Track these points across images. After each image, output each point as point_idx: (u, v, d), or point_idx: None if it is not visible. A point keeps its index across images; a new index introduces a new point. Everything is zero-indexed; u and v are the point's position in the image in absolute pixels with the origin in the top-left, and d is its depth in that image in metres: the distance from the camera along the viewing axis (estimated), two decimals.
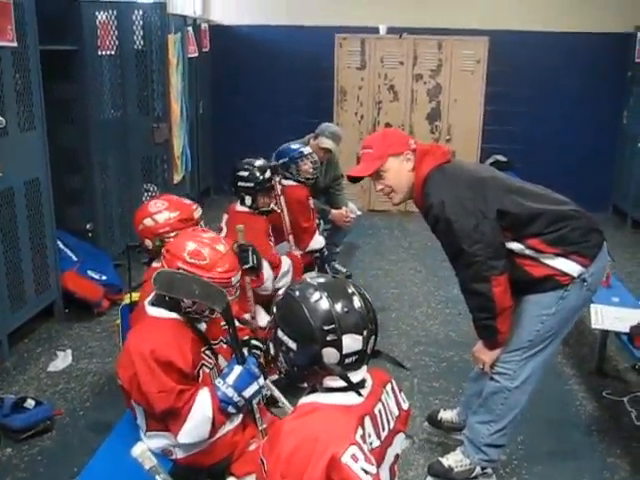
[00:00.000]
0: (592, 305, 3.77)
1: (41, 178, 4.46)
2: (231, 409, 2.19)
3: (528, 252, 2.66)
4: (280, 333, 1.58)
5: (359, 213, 5.65)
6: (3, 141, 3.98)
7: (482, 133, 7.72)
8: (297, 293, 1.59)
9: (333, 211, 5.15)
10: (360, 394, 1.55)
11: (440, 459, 3.07)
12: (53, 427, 3.42)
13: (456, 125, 7.76)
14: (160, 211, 2.91)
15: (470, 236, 2.61)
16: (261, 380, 2.20)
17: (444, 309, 5.01)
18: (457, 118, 7.70)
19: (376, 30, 7.70)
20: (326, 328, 1.51)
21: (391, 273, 5.92)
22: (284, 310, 1.60)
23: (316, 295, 1.55)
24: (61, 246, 4.88)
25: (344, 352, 1.52)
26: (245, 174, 3.80)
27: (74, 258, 4.94)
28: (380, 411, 1.61)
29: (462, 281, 2.75)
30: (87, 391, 3.81)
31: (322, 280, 1.63)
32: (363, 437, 1.50)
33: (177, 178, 6.62)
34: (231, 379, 2.16)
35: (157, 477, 1.63)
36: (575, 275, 2.66)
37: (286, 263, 3.83)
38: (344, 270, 5.51)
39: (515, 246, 2.66)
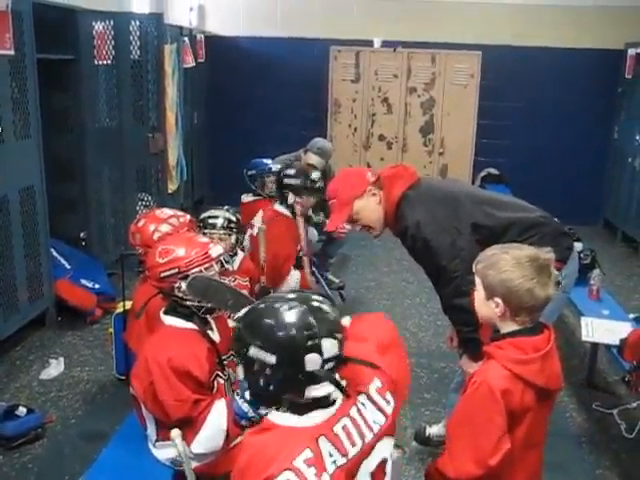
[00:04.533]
0: (582, 318, 3.82)
1: (36, 186, 4.47)
2: (245, 423, 2.14)
3: None
4: (253, 350, 1.52)
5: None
6: None
7: (475, 146, 7.79)
8: (265, 307, 1.57)
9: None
10: (345, 392, 1.55)
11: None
12: (44, 435, 3.41)
13: (449, 138, 7.82)
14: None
15: (448, 252, 2.66)
16: None
17: (435, 321, 5.03)
18: (450, 131, 7.77)
19: (371, 43, 7.77)
20: (306, 333, 1.49)
21: (383, 285, 5.94)
22: (255, 326, 1.54)
23: (286, 305, 1.53)
24: (55, 254, 4.89)
25: (325, 356, 1.51)
26: (293, 172, 3.78)
27: (67, 266, 4.96)
28: (345, 427, 1.55)
29: (444, 298, 2.80)
30: (79, 399, 3.81)
31: (282, 294, 1.64)
32: (314, 460, 1.46)
33: (172, 188, 6.64)
34: (249, 394, 2.13)
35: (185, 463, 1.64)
36: None
37: (294, 278, 3.84)
38: (337, 281, 5.53)
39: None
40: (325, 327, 1.52)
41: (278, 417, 1.56)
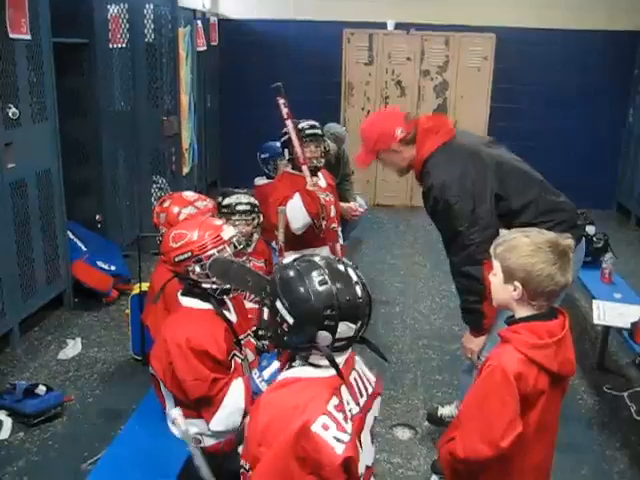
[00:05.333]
0: (594, 301, 3.83)
1: (52, 169, 4.53)
2: None
3: None
4: (279, 304, 1.59)
5: (366, 207, 5.69)
6: (16, 132, 4.05)
7: (488, 129, 7.76)
8: (304, 272, 1.59)
9: (342, 205, 5.18)
10: (340, 372, 1.59)
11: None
12: (64, 413, 3.49)
13: (462, 121, 7.76)
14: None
15: (468, 218, 2.66)
16: None
17: (448, 303, 5.06)
18: (464, 114, 7.74)
19: (384, 25, 7.73)
20: (326, 313, 1.54)
21: (396, 267, 5.98)
22: (287, 284, 1.59)
23: (320, 278, 1.57)
24: (71, 236, 4.95)
25: (337, 337, 1.56)
26: (284, 129, 3.66)
27: (84, 248, 5.02)
28: (355, 379, 1.66)
29: (454, 264, 2.79)
30: (96, 379, 3.88)
31: (329, 263, 1.64)
32: (340, 406, 1.55)
33: (185, 170, 6.68)
34: (267, 374, 2.15)
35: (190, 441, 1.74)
36: None
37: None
38: (350, 263, 5.55)
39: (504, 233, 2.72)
40: (348, 311, 1.56)
41: (297, 372, 1.62)
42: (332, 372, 1.59)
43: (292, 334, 1.59)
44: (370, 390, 1.70)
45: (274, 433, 1.51)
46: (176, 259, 2.35)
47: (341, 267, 1.64)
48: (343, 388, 1.59)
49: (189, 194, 3.24)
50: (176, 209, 3.07)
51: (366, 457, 1.66)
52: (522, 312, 1.90)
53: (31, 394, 3.46)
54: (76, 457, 3.08)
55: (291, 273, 1.61)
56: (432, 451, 3.19)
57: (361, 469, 1.60)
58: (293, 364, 1.64)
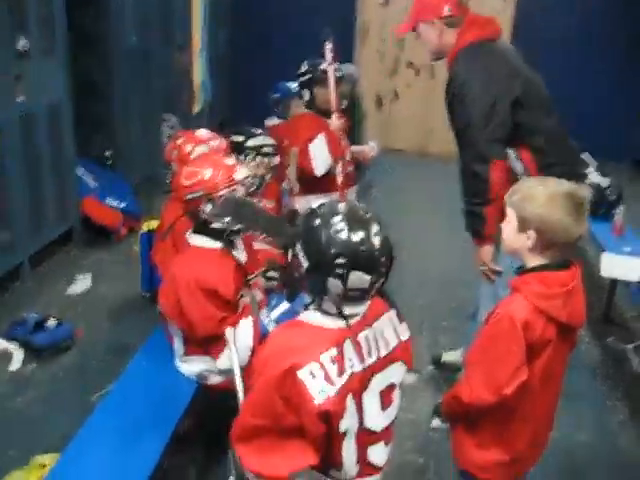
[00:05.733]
0: (603, 254, 3.81)
1: (62, 104, 4.48)
2: None
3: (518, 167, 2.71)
4: (298, 247, 1.59)
5: (377, 150, 5.62)
6: (26, 65, 3.99)
7: None
8: (323, 216, 1.58)
9: (355, 148, 5.11)
10: (348, 323, 1.58)
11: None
12: (73, 346, 3.55)
13: None
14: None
15: (484, 111, 2.63)
16: None
17: (457, 249, 5.03)
18: None
19: None
20: (337, 261, 1.52)
21: (406, 211, 5.94)
22: (307, 228, 1.59)
23: (340, 225, 1.55)
24: (80, 172, 4.93)
25: (348, 287, 1.54)
26: (304, 69, 3.67)
27: (94, 185, 5.00)
28: (367, 337, 1.64)
29: (464, 162, 2.78)
30: (105, 314, 3.94)
31: (351, 210, 1.61)
32: (337, 358, 1.54)
33: (196, 109, 6.60)
34: (275, 314, 2.17)
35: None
36: None
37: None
38: (374, 215, 5.50)
39: (509, 152, 2.70)
40: (362, 261, 1.53)
41: (309, 315, 1.62)
42: (341, 323, 1.58)
43: (307, 278, 1.59)
44: (383, 352, 1.67)
45: (270, 366, 1.52)
46: (187, 197, 2.34)
47: (363, 216, 1.61)
48: (347, 342, 1.58)
49: (203, 132, 3.20)
50: (189, 147, 3.04)
51: (368, 420, 1.64)
52: (533, 261, 1.88)
53: (42, 327, 3.52)
54: (85, 389, 3.14)
55: (312, 217, 1.60)
56: (435, 394, 3.24)
57: (352, 427, 1.59)
58: (308, 307, 1.64)
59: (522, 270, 1.92)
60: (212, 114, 7.42)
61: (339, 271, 1.53)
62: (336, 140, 3.45)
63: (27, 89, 4.02)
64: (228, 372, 2.32)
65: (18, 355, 3.40)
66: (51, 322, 3.55)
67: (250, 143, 3.18)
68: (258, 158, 3.14)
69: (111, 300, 4.10)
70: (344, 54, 7.02)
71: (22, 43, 3.91)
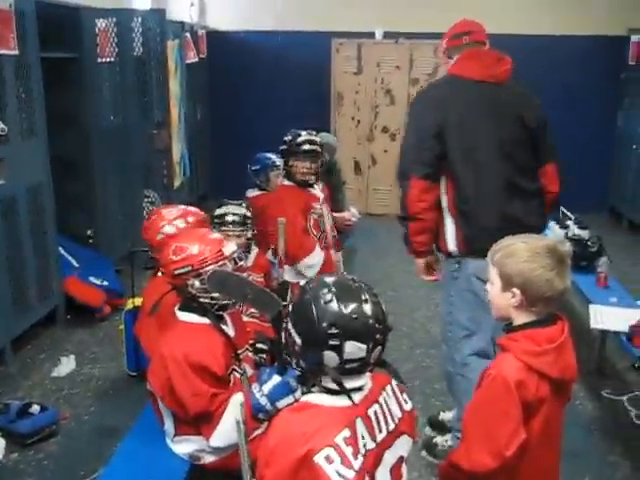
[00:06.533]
0: (590, 305, 3.83)
1: (43, 185, 4.49)
2: (262, 416, 2.14)
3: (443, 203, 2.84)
4: (290, 325, 1.58)
5: (359, 216, 5.67)
6: (5, 148, 4.01)
7: None
8: (311, 290, 1.58)
9: (335, 215, 5.15)
10: (351, 398, 1.55)
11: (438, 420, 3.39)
12: (59, 432, 3.44)
13: None
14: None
15: (416, 132, 2.82)
16: (297, 394, 2.05)
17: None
18: None
19: (372, 35, 7.76)
20: (330, 332, 1.51)
21: (390, 276, 5.95)
22: (297, 304, 1.60)
23: (328, 296, 1.54)
24: (62, 252, 4.90)
25: (345, 358, 1.53)
26: (287, 138, 3.75)
27: (75, 264, 4.97)
28: (376, 413, 1.61)
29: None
30: (91, 396, 3.84)
31: (339, 281, 1.61)
32: (351, 439, 1.51)
33: (176, 184, 6.66)
34: (267, 388, 2.11)
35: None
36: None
37: (317, 255, 3.82)
38: (364, 283, 5.50)
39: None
40: (355, 329, 1.52)
41: (314, 397, 1.59)
42: (349, 402, 1.55)
43: (301, 356, 1.57)
44: (392, 427, 1.64)
45: (278, 456, 1.48)
46: (175, 272, 2.33)
47: (352, 285, 1.61)
48: (359, 420, 1.55)
49: (173, 209, 3.18)
50: (162, 224, 3.03)
51: None
52: (521, 319, 1.88)
53: (25, 414, 3.41)
54: (72, 477, 3.04)
55: (300, 292, 1.60)
56: (431, 462, 3.16)
57: None
58: (312, 389, 1.61)
59: (510, 328, 1.91)
60: (192, 188, 7.48)
61: (333, 342, 1.51)
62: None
63: (7, 172, 4.03)
64: (222, 450, 2.26)
65: (0, 445, 3.28)
66: (34, 408, 3.44)
67: (217, 212, 3.26)
68: (225, 227, 3.17)
69: (97, 381, 4.01)
70: (321, 122, 7.25)
71: (0, 127, 3.93)
